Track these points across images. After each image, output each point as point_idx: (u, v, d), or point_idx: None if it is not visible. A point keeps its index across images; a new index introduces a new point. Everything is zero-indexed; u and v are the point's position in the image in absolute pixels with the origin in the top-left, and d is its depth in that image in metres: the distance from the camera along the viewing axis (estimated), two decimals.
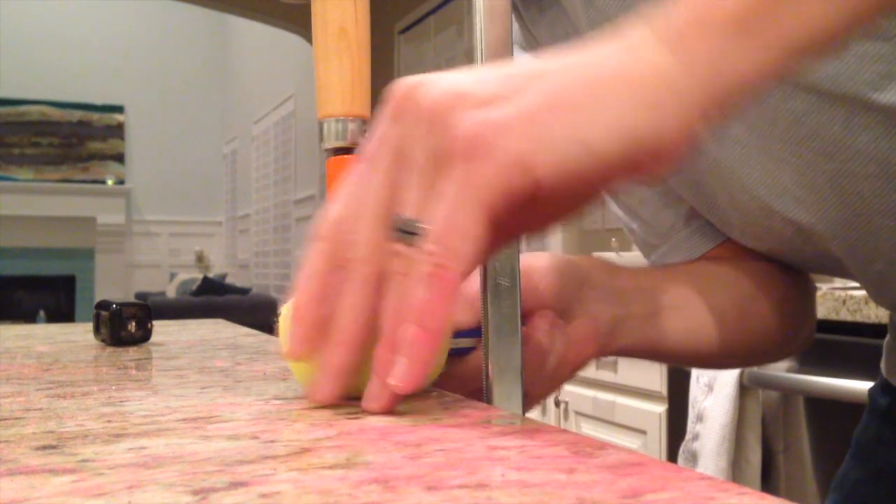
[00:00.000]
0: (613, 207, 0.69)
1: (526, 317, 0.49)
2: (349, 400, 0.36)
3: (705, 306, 0.58)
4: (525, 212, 0.34)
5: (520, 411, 0.40)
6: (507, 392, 0.40)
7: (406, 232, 0.33)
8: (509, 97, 0.31)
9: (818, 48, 0.32)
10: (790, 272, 0.63)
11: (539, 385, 0.47)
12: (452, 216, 0.31)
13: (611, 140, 0.31)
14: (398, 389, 0.32)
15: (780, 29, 0.31)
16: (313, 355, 0.35)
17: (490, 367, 0.40)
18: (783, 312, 0.61)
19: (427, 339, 0.31)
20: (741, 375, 1.46)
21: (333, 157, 0.43)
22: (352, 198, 0.35)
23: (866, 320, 1.32)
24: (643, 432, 1.89)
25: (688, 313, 0.57)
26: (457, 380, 0.45)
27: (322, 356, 0.35)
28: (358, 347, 0.34)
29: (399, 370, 0.32)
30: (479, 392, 0.46)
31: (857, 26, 0.32)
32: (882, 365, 0.66)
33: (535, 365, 0.47)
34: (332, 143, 0.43)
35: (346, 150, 0.43)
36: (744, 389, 1.46)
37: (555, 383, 0.49)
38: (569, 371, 0.50)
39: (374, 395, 0.33)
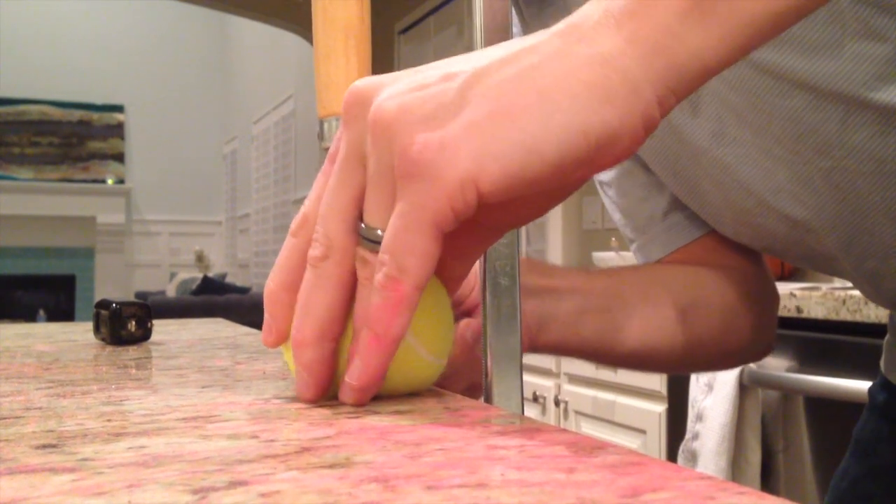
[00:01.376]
0: (604, 199, 0.69)
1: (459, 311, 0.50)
2: (334, 399, 0.36)
3: (643, 308, 0.58)
4: (489, 213, 0.34)
5: (520, 411, 0.40)
6: (506, 391, 0.40)
7: (368, 239, 0.33)
8: (455, 107, 0.31)
9: (775, 25, 0.31)
10: (755, 280, 0.64)
11: (467, 378, 0.48)
12: (401, 232, 0.31)
13: (561, 142, 0.30)
14: (354, 387, 0.34)
15: (738, 6, 0.30)
16: (286, 345, 0.37)
17: (489, 366, 0.40)
18: (735, 322, 0.62)
19: (376, 344, 0.33)
20: (741, 375, 1.46)
21: None
22: (319, 197, 0.35)
23: (866, 320, 1.32)
24: (643, 432, 1.89)
25: (623, 314, 0.57)
26: None
27: (294, 357, 0.36)
28: (325, 345, 0.35)
29: (354, 370, 0.34)
30: (453, 378, 0.47)
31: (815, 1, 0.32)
32: (881, 363, 0.66)
33: (464, 360, 0.48)
34: (331, 141, 0.43)
35: None
36: (743, 389, 1.47)
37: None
38: None
39: (343, 389, 0.35)
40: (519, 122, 0.30)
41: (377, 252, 0.33)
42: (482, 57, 0.32)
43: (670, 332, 0.58)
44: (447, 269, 0.36)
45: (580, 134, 0.30)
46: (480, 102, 0.31)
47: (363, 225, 0.34)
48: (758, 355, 0.66)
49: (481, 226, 0.36)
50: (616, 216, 0.67)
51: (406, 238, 0.31)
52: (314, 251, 0.34)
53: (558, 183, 0.32)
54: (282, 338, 0.37)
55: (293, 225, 0.36)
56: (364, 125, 0.33)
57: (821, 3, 0.32)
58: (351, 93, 0.34)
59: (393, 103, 0.32)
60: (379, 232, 0.33)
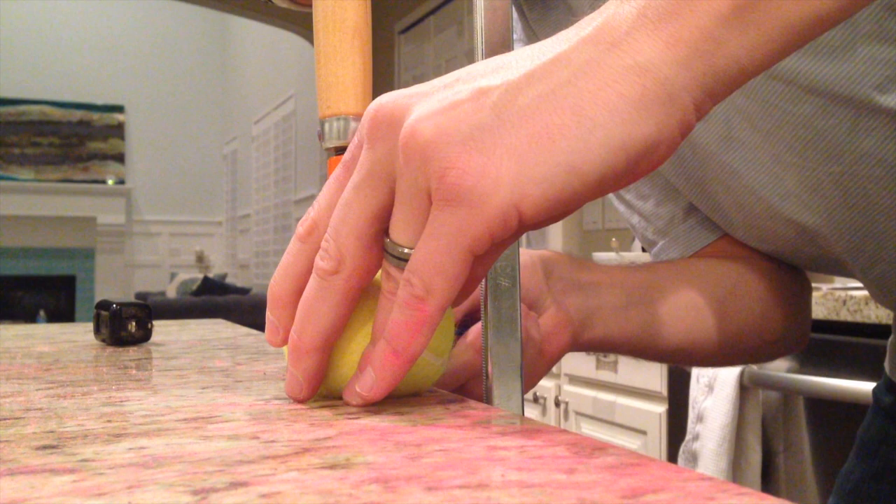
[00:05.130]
0: (615, 203, 0.69)
1: (472, 318, 0.49)
2: (335, 399, 0.37)
3: (684, 301, 0.57)
4: (515, 234, 0.33)
5: (520, 412, 0.40)
6: (507, 392, 0.40)
7: (394, 256, 0.33)
8: (491, 129, 0.30)
9: (815, 27, 0.30)
10: (786, 270, 0.63)
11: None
12: (433, 255, 0.31)
13: (602, 160, 0.29)
14: (365, 398, 0.34)
15: (780, 9, 0.29)
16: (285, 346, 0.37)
17: (490, 367, 0.40)
18: (772, 310, 0.61)
19: (394, 359, 0.33)
20: (741, 376, 1.46)
21: (334, 157, 0.43)
22: (330, 204, 0.35)
23: (866, 320, 1.32)
24: (643, 432, 1.89)
25: (665, 307, 0.56)
26: (445, 375, 0.45)
27: (290, 359, 0.36)
28: (325, 352, 0.35)
29: (366, 381, 0.34)
30: (473, 381, 0.47)
31: (859, 2, 0.31)
32: (886, 364, 0.66)
33: (481, 365, 0.47)
34: (333, 142, 0.43)
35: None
36: (744, 390, 1.46)
37: (533, 376, 0.49)
38: (545, 363, 0.50)
39: (350, 392, 0.35)
40: (558, 144, 0.29)
41: (402, 269, 0.32)
42: (511, 68, 0.31)
43: (712, 322, 0.58)
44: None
45: (620, 149, 0.29)
46: (517, 124, 0.30)
47: (388, 240, 0.33)
48: (795, 345, 0.66)
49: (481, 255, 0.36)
50: (634, 220, 0.67)
51: (437, 260, 0.31)
52: (323, 263, 0.34)
53: (597, 196, 0.31)
54: (287, 339, 0.37)
55: (301, 229, 0.36)
56: (392, 145, 0.32)
57: (860, 6, 0.31)
58: (377, 110, 0.33)
59: (427, 125, 0.31)
60: (405, 250, 0.32)
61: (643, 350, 0.57)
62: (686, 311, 0.57)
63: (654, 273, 0.59)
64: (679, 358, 0.61)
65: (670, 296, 0.57)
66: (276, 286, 0.37)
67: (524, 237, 0.43)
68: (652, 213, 0.65)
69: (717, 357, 0.63)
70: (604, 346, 0.55)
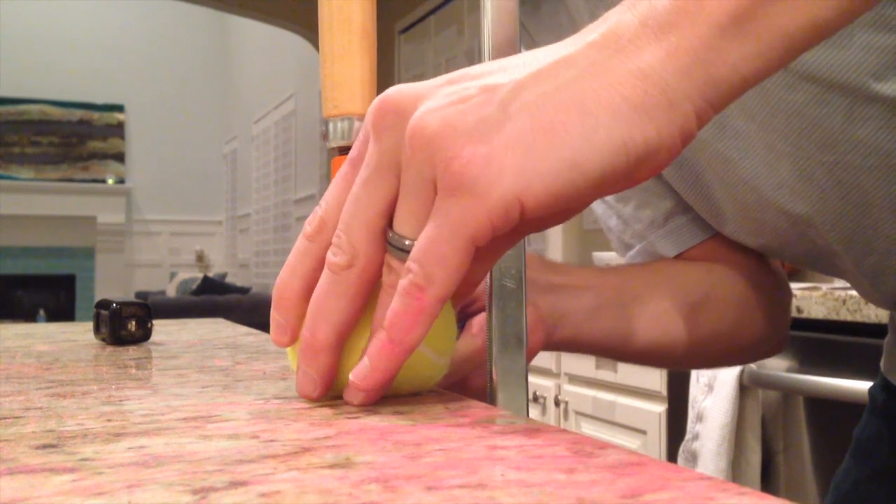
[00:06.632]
0: (594, 204, 0.69)
1: (471, 309, 0.49)
2: (335, 398, 0.37)
3: (655, 304, 0.58)
4: (517, 230, 0.34)
5: (525, 413, 0.40)
6: (511, 394, 0.40)
7: (396, 247, 0.33)
8: (497, 122, 0.31)
9: (815, 36, 0.31)
10: (767, 275, 0.63)
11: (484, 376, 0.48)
12: (435, 243, 0.31)
13: (603, 158, 0.30)
14: (359, 387, 0.34)
15: (777, 19, 0.30)
16: (294, 347, 0.37)
17: (494, 369, 0.40)
18: (747, 317, 0.61)
19: (391, 349, 0.33)
20: (741, 375, 1.46)
21: (338, 157, 0.43)
22: (338, 202, 0.35)
23: (866, 320, 1.32)
24: (643, 432, 1.89)
25: (635, 310, 0.57)
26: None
27: (303, 357, 0.36)
28: (339, 349, 0.35)
29: (362, 370, 0.34)
30: (475, 373, 0.47)
31: (856, 11, 0.31)
32: (881, 363, 0.66)
33: (484, 356, 0.47)
34: (338, 141, 0.43)
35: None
36: (744, 389, 1.47)
37: None
38: None
39: (349, 391, 0.35)
40: (562, 139, 0.30)
41: (404, 260, 0.33)
42: (518, 68, 0.32)
43: (683, 326, 0.58)
44: (468, 273, 0.36)
45: (621, 150, 0.30)
46: (523, 118, 0.30)
47: (392, 233, 0.33)
48: (770, 351, 0.66)
49: (484, 248, 0.36)
50: (612, 222, 0.67)
51: (438, 249, 0.31)
52: (336, 258, 0.34)
53: (597, 196, 0.32)
54: (296, 339, 0.37)
55: (309, 228, 0.36)
56: (399, 136, 0.32)
57: (858, 13, 0.32)
58: (385, 101, 0.33)
59: (435, 117, 0.31)
60: (408, 242, 0.33)
61: (612, 351, 0.58)
62: (656, 314, 0.57)
63: (626, 276, 0.59)
64: (649, 360, 0.62)
65: (641, 299, 0.58)
66: (282, 286, 0.36)
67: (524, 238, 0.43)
68: (631, 216, 0.65)
69: (688, 360, 0.63)
70: (573, 347, 0.55)
